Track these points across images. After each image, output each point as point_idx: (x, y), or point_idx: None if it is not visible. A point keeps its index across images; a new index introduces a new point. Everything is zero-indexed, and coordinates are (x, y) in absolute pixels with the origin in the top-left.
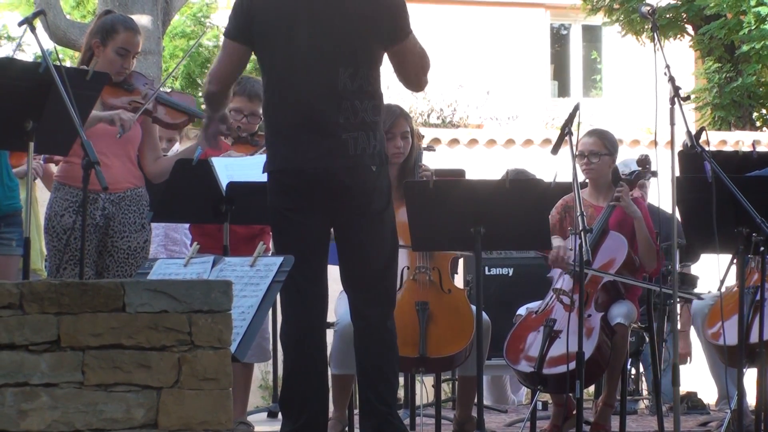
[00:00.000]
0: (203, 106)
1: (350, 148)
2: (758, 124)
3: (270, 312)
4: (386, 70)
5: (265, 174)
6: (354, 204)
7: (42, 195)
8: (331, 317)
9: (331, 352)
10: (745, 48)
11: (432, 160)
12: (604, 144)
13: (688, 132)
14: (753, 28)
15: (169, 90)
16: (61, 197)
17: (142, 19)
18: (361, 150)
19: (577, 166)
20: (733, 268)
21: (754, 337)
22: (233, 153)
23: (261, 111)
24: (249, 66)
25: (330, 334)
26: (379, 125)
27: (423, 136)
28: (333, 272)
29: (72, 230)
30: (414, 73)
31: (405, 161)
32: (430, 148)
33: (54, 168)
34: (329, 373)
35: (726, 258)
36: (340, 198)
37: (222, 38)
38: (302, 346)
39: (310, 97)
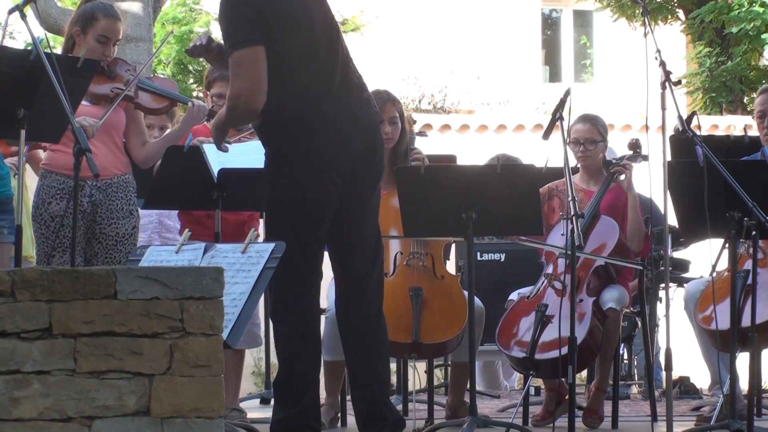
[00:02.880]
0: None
1: (372, 105)
2: (749, 108)
3: (261, 298)
4: (377, 58)
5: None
6: (372, 183)
7: (31, 182)
8: (322, 304)
9: (323, 339)
10: (734, 29)
11: (424, 146)
12: (598, 130)
13: (680, 116)
14: (743, 10)
15: (151, 76)
16: (48, 184)
17: (133, 7)
18: (375, 111)
19: (570, 151)
20: (725, 252)
21: (745, 322)
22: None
23: None
24: None
25: (321, 320)
26: None
27: (415, 121)
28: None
29: (60, 217)
30: None
31: (396, 147)
32: (422, 134)
33: (42, 154)
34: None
35: (718, 243)
36: (368, 167)
37: (212, 27)
38: (304, 335)
39: (335, 68)
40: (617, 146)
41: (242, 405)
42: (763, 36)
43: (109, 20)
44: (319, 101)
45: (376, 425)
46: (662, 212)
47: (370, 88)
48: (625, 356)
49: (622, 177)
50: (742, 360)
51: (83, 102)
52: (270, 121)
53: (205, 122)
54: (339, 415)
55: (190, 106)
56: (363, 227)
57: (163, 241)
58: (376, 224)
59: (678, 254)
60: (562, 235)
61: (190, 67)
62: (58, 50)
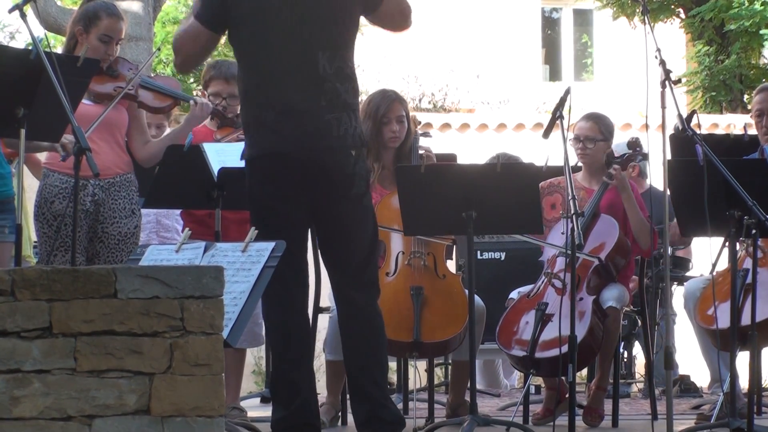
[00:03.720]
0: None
1: (334, 129)
2: (749, 107)
3: (262, 297)
4: (377, 57)
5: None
6: (334, 189)
7: (29, 182)
8: (325, 302)
9: (326, 338)
10: (734, 26)
11: (425, 145)
12: (600, 129)
13: (680, 115)
14: (743, 8)
15: (152, 75)
16: (50, 184)
17: (133, 6)
18: (344, 131)
19: (571, 149)
20: (725, 251)
21: (745, 320)
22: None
23: None
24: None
25: (325, 320)
26: (358, 108)
27: (420, 122)
28: None
29: (62, 216)
30: (398, 24)
31: (401, 146)
32: (426, 134)
33: (38, 156)
34: (324, 359)
35: (718, 241)
36: (321, 182)
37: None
38: (286, 334)
39: (292, 83)
40: (617, 145)
41: (243, 404)
42: (762, 32)
43: (112, 19)
44: (263, 110)
45: (372, 425)
46: (662, 208)
47: (371, 87)
48: (625, 355)
49: (615, 181)
50: (742, 358)
51: (86, 101)
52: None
53: (207, 124)
54: (339, 414)
55: (192, 104)
56: (349, 224)
57: (161, 241)
58: (368, 219)
59: (678, 252)
60: (563, 233)
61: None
62: (58, 49)
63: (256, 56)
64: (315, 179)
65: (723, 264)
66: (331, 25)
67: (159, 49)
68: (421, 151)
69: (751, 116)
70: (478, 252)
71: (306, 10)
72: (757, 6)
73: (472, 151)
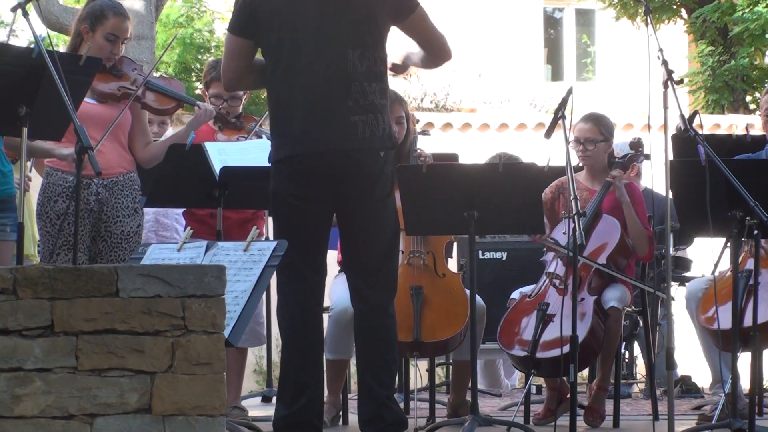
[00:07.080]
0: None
1: (359, 130)
2: (752, 107)
3: (264, 296)
4: None
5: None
6: (359, 189)
7: (34, 181)
8: (325, 302)
9: (326, 337)
10: (737, 29)
11: (426, 145)
12: (599, 130)
13: (682, 115)
14: (746, 10)
15: (157, 76)
16: (53, 183)
17: (135, 5)
18: (369, 133)
19: (572, 150)
20: (727, 251)
21: (747, 321)
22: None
23: (241, 93)
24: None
25: (325, 318)
26: (387, 108)
27: (418, 120)
28: (328, 257)
29: (65, 216)
30: (438, 47)
31: (400, 146)
32: (425, 132)
33: None
34: (325, 358)
35: (719, 242)
36: (346, 183)
37: (215, 25)
38: (300, 332)
39: (320, 81)
40: (619, 145)
41: (244, 403)
42: None
43: (118, 18)
44: (291, 111)
45: (374, 425)
46: (663, 207)
47: None
48: (627, 355)
49: (615, 182)
50: (743, 359)
51: (90, 100)
52: None
53: (210, 123)
54: (341, 413)
55: (197, 108)
56: (371, 223)
57: (159, 240)
58: (390, 220)
59: (680, 253)
60: (564, 233)
61: (192, 68)
62: (61, 48)
63: (286, 55)
64: (341, 179)
65: (724, 265)
66: (361, 23)
67: (175, 37)
68: (416, 154)
69: (760, 115)
70: (480, 252)
71: (335, 7)
72: (761, 9)
73: (474, 150)
